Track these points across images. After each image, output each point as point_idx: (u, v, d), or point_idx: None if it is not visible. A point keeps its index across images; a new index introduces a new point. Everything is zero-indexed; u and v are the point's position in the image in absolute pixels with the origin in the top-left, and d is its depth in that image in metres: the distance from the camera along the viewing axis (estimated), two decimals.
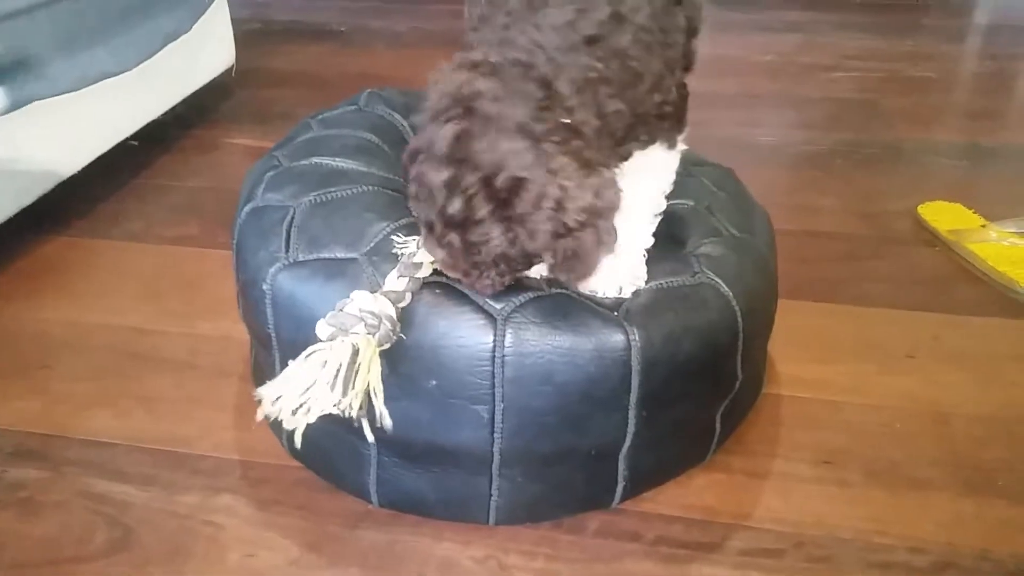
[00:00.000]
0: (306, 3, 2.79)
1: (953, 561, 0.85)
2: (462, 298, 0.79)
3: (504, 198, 0.71)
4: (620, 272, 0.83)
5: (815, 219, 1.47)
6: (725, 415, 0.93)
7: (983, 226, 1.41)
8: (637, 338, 0.79)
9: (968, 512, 0.90)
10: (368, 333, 0.74)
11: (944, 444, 0.99)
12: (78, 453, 0.98)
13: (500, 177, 0.70)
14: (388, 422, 0.75)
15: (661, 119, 0.82)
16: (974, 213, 1.45)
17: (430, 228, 0.75)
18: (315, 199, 0.88)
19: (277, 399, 0.72)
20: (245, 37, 1.98)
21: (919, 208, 1.47)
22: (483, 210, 0.71)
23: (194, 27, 1.72)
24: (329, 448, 0.90)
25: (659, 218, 0.86)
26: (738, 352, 0.88)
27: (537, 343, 0.78)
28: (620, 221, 0.79)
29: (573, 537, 0.87)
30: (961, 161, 1.72)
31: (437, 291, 0.80)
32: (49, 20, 1.31)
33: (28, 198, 1.35)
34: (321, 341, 0.74)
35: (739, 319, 0.86)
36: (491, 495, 0.85)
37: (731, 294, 0.86)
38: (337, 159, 0.95)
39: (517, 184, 0.70)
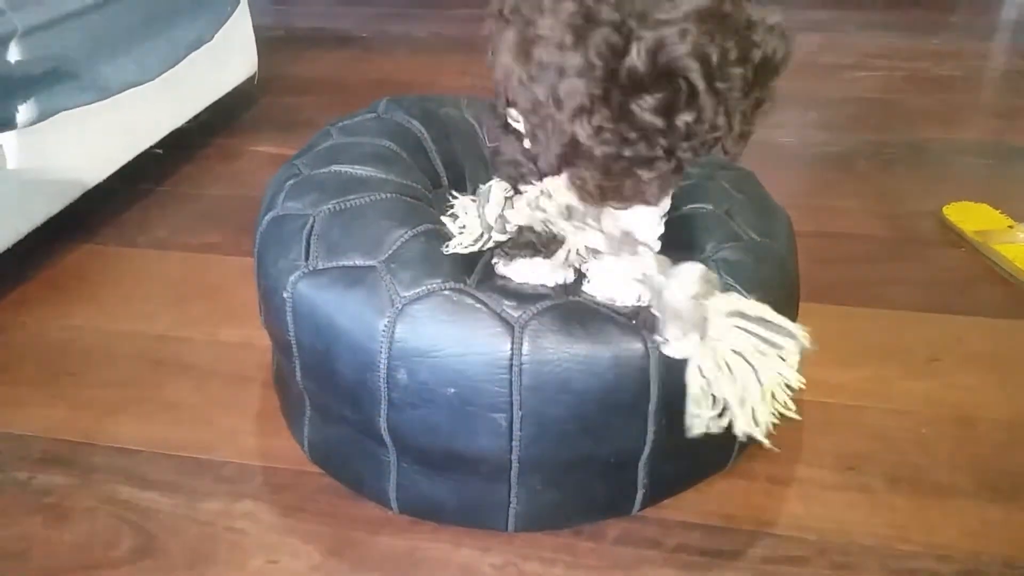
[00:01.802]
0: (327, 9, 2.81)
1: (978, 569, 0.84)
2: (479, 305, 0.79)
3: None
4: (635, 285, 0.82)
5: (837, 221, 1.46)
6: None
7: (1010, 227, 1.39)
8: (656, 345, 0.79)
9: (994, 519, 0.89)
10: None
11: (969, 449, 0.98)
12: (104, 459, 1.00)
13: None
14: None
15: None
16: (1001, 214, 1.43)
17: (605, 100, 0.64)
18: (334, 207, 0.89)
19: None
20: (267, 44, 2.00)
21: (944, 209, 1.45)
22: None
23: (217, 35, 1.74)
24: (349, 454, 0.91)
25: (665, 218, 0.84)
26: None
27: (555, 351, 0.78)
28: (634, 223, 0.79)
29: (592, 544, 0.87)
30: (988, 160, 1.70)
31: (454, 298, 0.80)
32: (75, 31, 1.33)
33: (55, 207, 1.37)
34: None
35: None
36: (510, 502, 0.85)
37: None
38: (356, 167, 0.95)
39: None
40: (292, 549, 0.87)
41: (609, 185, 0.70)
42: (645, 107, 0.64)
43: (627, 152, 0.67)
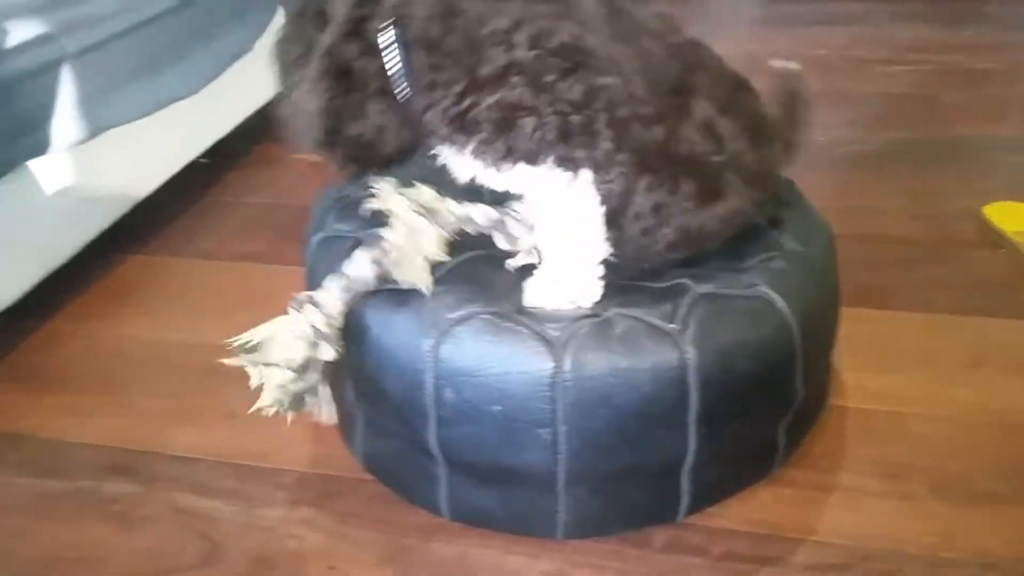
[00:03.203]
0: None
1: None
2: (520, 327, 0.82)
3: None
4: (569, 286, 0.85)
5: (873, 223, 1.46)
6: (788, 429, 0.94)
7: None
8: (692, 356, 0.81)
9: None
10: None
11: (1012, 456, 0.99)
12: (166, 468, 1.04)
13: None
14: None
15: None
16: None
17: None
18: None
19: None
20: None
21: (984, 209, 1.45)
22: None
23: (256, 45, 1.77)
24: (402, 465, 0.95)
25: (604, 226, 0.85)
26: (796, 367, 0.89)
27: (595, 367, 0.80)
28: (569, 232, 0.83)
29: (640, 551, 0.89)
30: None
31: (496, 320, 0.83)
32: (123, 50, 1.38)
33: (107, 220, 1.42)
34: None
35: (796, 334, 0.87)
36: (557, 511, 0.88)
37: (787, 309, 0.87)
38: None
39: None
40: (349, 555, 0.91)
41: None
42: None
43: None
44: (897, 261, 1.36)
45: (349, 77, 0.80)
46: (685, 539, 0.90)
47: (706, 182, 0.85)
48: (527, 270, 0.89)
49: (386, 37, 0.80)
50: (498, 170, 0.82)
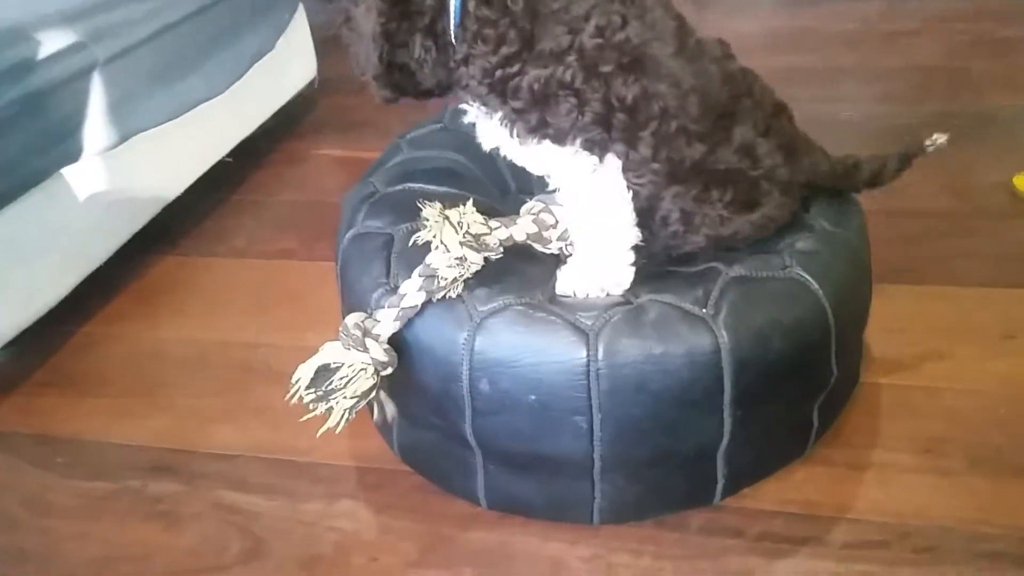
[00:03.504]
0: None
1: None
2: (553, 317, 0.83)
3: None
4: (600, 273, 0.86)
5: (904, 197, 1.42)
6: (822, 408, 0.94)
7: None
8: (726, 339, 0.81)
9: None
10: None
11: None
12: (207, 466, 1.06)
13: None
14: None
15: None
16: None
17: None
18: (412, 226, 0.92)
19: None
20: (322, 44, 2.03)
21: (1015, 179, 1.43)
22: None
23: (277, 43, 1.79)
24: (438, 456, 0.96)
25: (632, 214, 0.86)
26: (831, 348, 0.89)
27: (629, 354, 0.81)
28: (598, 217, 0.84)
29: (677, 535, 0.90)
30: None
31: (528, 311, 0.83)
32: (149, 56, 1.39)
33: (139, 223, 1.45)
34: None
35: (830, 315, 0.87)
36: (594, 497, 0.89)
37: (821, 291, 0.87)
38: (429, 184, 0.99)
39: None
40: (390, 546, 0.93)
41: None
42: None
43: None
44: (928, 235, 1.35)
45: (406, 5, 0.81)
46: (722, 521, 0.91)
47: (742, 191, 0.86)
48: (559, 260, 0.89)
49: None
50: (522, 143, 0.83)
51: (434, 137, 1.10)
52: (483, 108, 0.84)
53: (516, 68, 0.79)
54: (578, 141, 0.81)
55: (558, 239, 0.90)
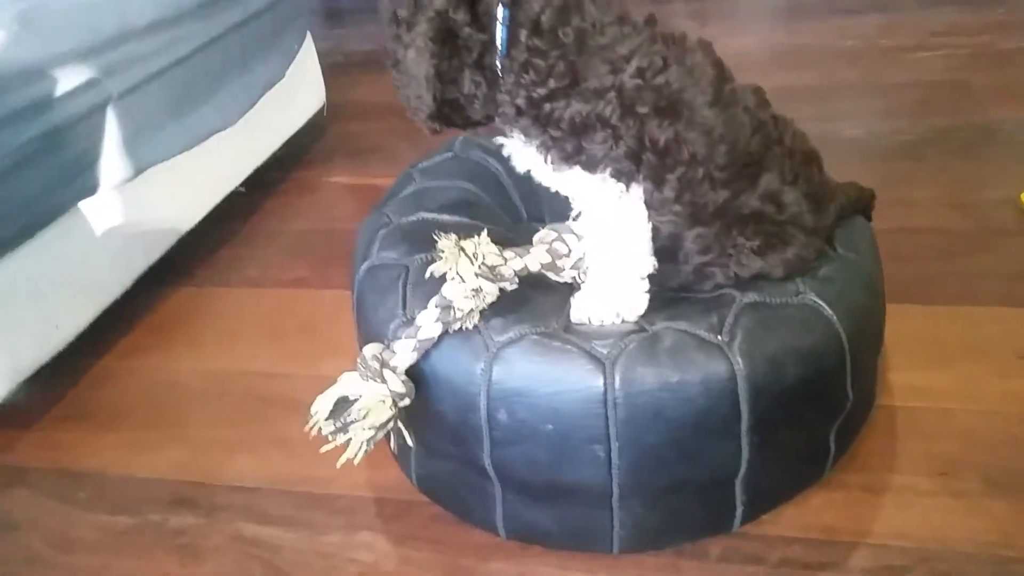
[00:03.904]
0: (382, 31, 2.86)
1: None
2: (568, 346, 0.84)
3: None
4: (615, 300, 0.87)
5: (910, 214, 1.45)
6: (839, 433, 0.95)
7: None
8: (742, 366, 0.82)
9: None
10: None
11: None
12: (227, 498, 1.07)
13: None
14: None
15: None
16: None
17: None
18: (426, 257, 0.93)
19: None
20: (328, 71, 2.06)
21: (1022, 195, 1.43)
22: None
23: (287, 73, 1.81)
24: (456, 486, 0.97)
25: (650, 243, 0.87)
26: (847, 373, 0.89)
27: (645, 382, 0.82)
28: (616, 243, 0.85)
29: (696, 563, 0.90)
30: None
31: (544, 340, 0.84)
32: (162, 88, 1.41)
33: (154, 255, 1.46)
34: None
35: (844, 340, 0.87)
36: (613, 526, 0.89)
37: (834, 316, 0.87)
38: (442, 214, 1.00)
39: None
40: None
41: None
42: None
43: None
44: (937, 253, 1.35)
45: (454, 43, 0.83)
46: (741, 549, 0.91)
47: (768, 233, 0.88)
48: (572, 289, 0.90)
49: (499, 11, 0.83)
50: (555, 168, 0.85)
51: (446, 166, 1.11)
52: (521, 136, 0.85)
53: (562, 103, 0.81)
54: (608, 169, 0.83)
55: (571, 268, 0.91)
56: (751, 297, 0.87)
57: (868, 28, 2.29)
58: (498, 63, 0.83)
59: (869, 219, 1.07)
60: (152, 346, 1.39)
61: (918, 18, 2.30)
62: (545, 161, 0.85)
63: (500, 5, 0.82)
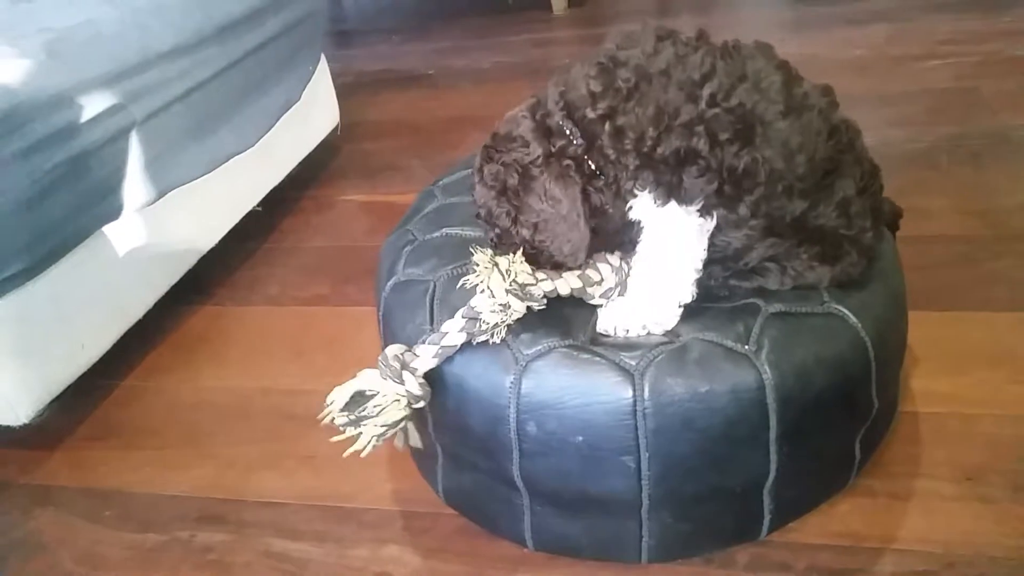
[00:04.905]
0: (391, 50, 2.90)
1: None
2: (597, 358, 0.84)
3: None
4: (648, 314, 0.87)
5: (926, 223, 1.46)
6: (864, 440, 0.95)
7: None
8: (770, 376, 0.83)
9: None
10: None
11: None
12: (254, 514, 1.08)
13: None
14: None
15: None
16: None
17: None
18: (452, 272, 0.95)
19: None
20: (340, 91, 2.08)
21: None
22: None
23: (303, 95, 1.83)
24: (484, 498, 0.97)
25: (699, 273, 0.88)
26: (872, 381, 0.90)
27: (674, 392, 0.82)
28: (666, 267, 0.86)
29: (725, 571, 0.91)
30: None
31: (573, 353, 0.85)
32: (182, 112, 1.43)
33: (176, 275, 1.48)
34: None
35: (870, 348, 0.88)
36: (642, 536, 0.90)
37: (860, 325, 0.88)
38: (466, 229, 1.02)
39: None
40: None
41: None
42: None
43: None
44: (955, 260, 1.36)
45: (574, 166, 0.86)
46: (769, 556, 0.92)
47: (828, 247, 0.88)
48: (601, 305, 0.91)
49: (560, 118, 0.87)
50: (656, 205, 0.84)
51: (466, 182, 1.12)
52: (636, 183, 0.85)
53: (663, 146, 0.82)
54: (700, 203, 0.83)
55: (601, 296, 0.91)
56: (776, 307, 0.87)
57: (876, 38, 2.30)
58: (605, 153, 0.85)
59: (894, 234, 1.07)
60: (176, 365, 1.40)
61: (925, 27, 2.32)
62: (654, 202, 0.84)
63: (559, 111, 0.86)
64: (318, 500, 1.08)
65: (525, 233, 0.88)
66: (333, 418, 0.86)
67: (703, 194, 0.83)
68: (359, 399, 0.85)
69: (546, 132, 0.86)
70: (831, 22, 2.48)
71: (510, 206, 0.88)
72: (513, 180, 0.87)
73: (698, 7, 2.94)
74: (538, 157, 0.86)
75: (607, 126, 0.84)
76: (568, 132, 0.86)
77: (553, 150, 0.86)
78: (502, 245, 0.91)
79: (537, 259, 0.90)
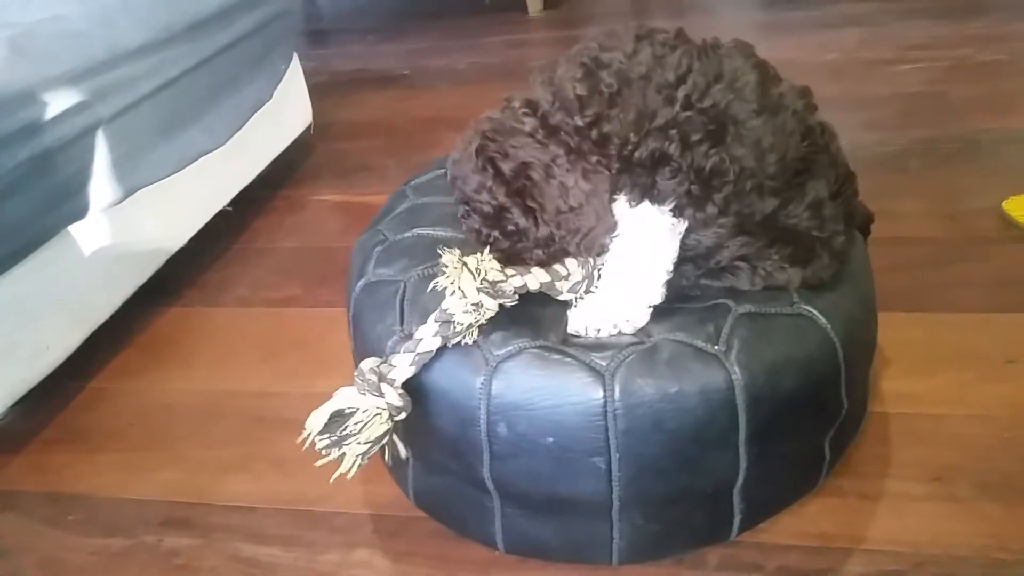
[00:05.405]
0: (366, 50, 2.89)
1: None
2: (568, 359, 0.84)
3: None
4: (615, 313, 0.87)
5: (896, 225, 1.47)
6: (833, 441, 0.95)
7: None
8: (739, 376, 0.83)
9: None
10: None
11: None
12: (223, 518, 1.06)
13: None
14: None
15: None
16: None
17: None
18: (423, 272, 0.94)
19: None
20: (313, 90, 2.06)
21: (1003, 203, 1.46)
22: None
23: (274, 93, 1.81)
24: (454, 501, 0.96)
25: (671, 275, 0.88)
26: (841, 382, 0.90)
27: (644, 393, 0.82)
28: (637, 267, 0.86)
29: (695, 572, 0.91)
30: None
31: (543, 354, 0.84)
32: (151, 110, 1.42)
33: (144, 276, 1.46)
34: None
35: (839, 349, 0.88)
36: (613, 537, 0.90)
37: (829, 326, 0.88)
38: (437, 229, 1.01)
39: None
40: None
41: None
42: None
43: None
44: (923, 262, 1.37)
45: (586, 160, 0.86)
46: (739, 557, 0.92)
47: (800, 249, 0.89)
48: (570, 305, 0.91)
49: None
50: (630, 206, 0.86)
51: (438, 182, 1.11)
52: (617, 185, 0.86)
53: (643, 148, 0.83)
54: (672, 203, 0.84)
55: (568, 290, 0.91)
56: (746, 307, 0.87)
57: (849, 42, 2.32)
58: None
59: (866, 238, 1.07)
60: (143, 367, 1.38)
61: (897, 32, 2.34)
62: (630, 204, 0.85)
63: (558, 111, 0.86)
64: (287, 504, 1.07)
65: (547, 230, 0.88)
66: (314, 442, 0.84)
67: (675, 194, 0.83)
68: (339, 419, 0.83)
69: (554, 130, 0.86)
70: (805, 26, 2.50)
71: (533, 203, 0.87)
72: (539, 175, 0.86)
73: (673, 11, 2.96)
74: (558, 155, 0.85)
75: (594, 133, 0.84)
76: (568, 132, 0.86)
77: (572, 146, 0.85)
78: (502, 245, 0.90)
79: (554, 255, 0.90)
